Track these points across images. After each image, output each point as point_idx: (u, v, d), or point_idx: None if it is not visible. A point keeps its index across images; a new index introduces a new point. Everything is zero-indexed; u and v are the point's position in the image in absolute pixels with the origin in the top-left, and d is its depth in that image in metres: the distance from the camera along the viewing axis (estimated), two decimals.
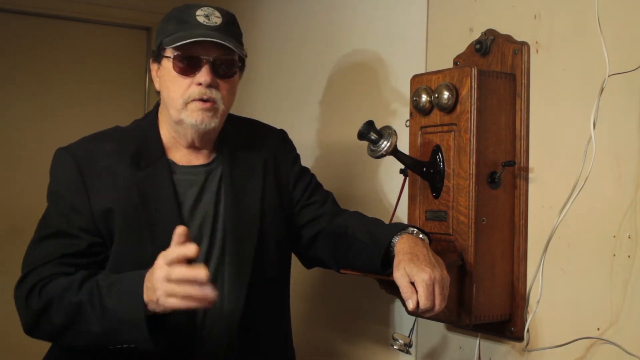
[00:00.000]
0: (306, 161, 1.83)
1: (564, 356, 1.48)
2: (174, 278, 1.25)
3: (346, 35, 2.22)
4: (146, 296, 1.31)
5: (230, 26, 1.56)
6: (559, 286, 1.51)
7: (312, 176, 1.78)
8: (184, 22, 1.52)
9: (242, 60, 1.59)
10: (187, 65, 1.51)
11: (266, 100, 2.57)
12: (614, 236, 1.41)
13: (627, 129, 1.39)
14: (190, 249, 1.25)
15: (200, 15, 1.52)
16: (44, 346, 1.62)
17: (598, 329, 1.43)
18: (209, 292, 1.25)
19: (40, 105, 3.11)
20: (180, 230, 1.27)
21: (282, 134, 1.79)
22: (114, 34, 3.27)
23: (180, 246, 1.26)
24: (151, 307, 1.31)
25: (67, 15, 3.14)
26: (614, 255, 1.40)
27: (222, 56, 1.53)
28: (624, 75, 1.37)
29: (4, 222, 3.01)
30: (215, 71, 1.52)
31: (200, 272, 1.24)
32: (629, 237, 1.38)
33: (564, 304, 1.50)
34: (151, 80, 1.64)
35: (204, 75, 1.50)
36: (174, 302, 1.27)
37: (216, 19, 1.53)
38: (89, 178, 1.52)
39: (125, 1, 3.23)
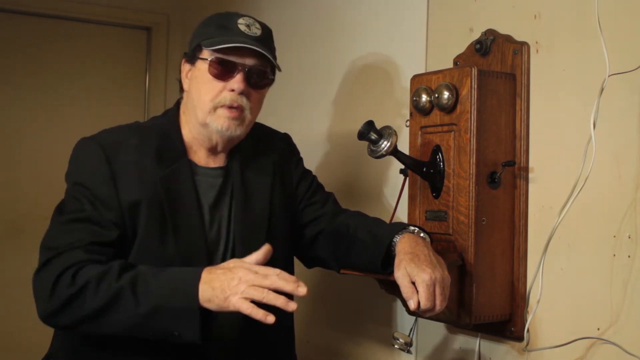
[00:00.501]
0: (307, 161, 1.83)
1: (564, 356, 1.48)
2: (267, 284, 1.29)
3: (346, 35, 2.22)
4: (207, 287, 1.31)
5: (268, 39, 1.59)
6: (559, 286, 1.51)
7: (314, 177, 1.80)
8: (226, 28, 1.54)
9: (273, 73, 1.60)
10: (223, 70, 1.52)
11: (266, 101, 2.56)
12: (614, 236, 1.41)
13: (627, 129, 1.39)
14: (302, 290, 1.30)
15: (242, 24, 1.54)
16: (44, 346, 1.62)
17: (598, 329, 1.43)
18: (290, 304, 1.30)
19: (41, 105, 3.11)
20: (267, 247, 1.36)
21: (286, 138, 1.82)
22: (114, 34, 3.27)
23: (290, 278, 1.31)
24: (205, 302, 1.32)
25: (67, 15, 3.14)
26: (614, 255, 1.40)
27: (257, 66, 1.54)
28: (624, 75, 1.37)
29: (4, 221, 3.01)
30: (249, 80, 1.54)
31: (299, 287, 1.30)
32: (629, 237, 1.38)
33: (564, 304, 1.50)
34: (178, 80, 1.64)
35: (238, 81, 1.52)
36: (247, 306, 1.29)
37: (256, 30, 1.55)
38: (117, 170, 1.50)
39: (125, 1, 3.23)
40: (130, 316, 1.34)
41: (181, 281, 1.34)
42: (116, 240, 1.46)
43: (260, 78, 1.56)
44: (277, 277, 1.30)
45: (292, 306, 1.30)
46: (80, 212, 1.47)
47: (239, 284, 1.30)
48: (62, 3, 3.11)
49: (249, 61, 1.53)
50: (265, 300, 1.29)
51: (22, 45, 3.08)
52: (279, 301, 1.29)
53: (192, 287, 1.32)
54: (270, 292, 1.29)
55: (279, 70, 1.59)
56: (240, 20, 1.55)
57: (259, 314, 1.29)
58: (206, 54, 1.54)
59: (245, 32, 1.53)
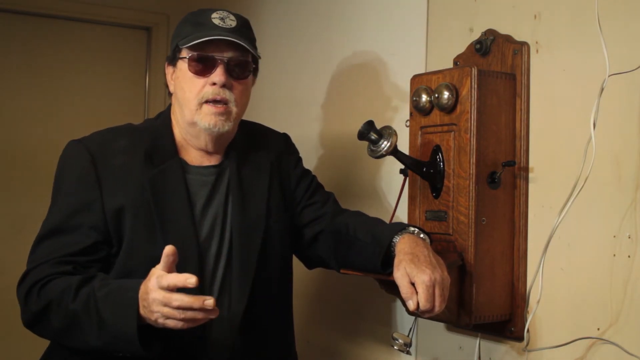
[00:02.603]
0: (307, 161, 1.83)
1: (564, 356, 1.48)
2: (175, 305, 1.26)
3: (346, 35, 2.22)
4: (142, 311, 1.31)
5: (245, 29, 1.59)
6: (559, 286, 1.51)
7: (314, 177, 1.80)
8: (200, 25, 1.55)
9: (255, 63, 1.61)
10: (202, 66, 1.53)
11: (267, 101, 2.57)
12: (614, 236, 1.41)
13: (627, 129, 1.39)
14: (191, 281, 1.25)
15: (216, 18, 1.55)
16: (43, 347, 1.62)
17: (598, 329, 1.43)
18: (211, 313, 1.27)
19: (40, 105, 3.11)
20: (168, 250, 1.28)
21: (285, 137, 1.81)
22: (114, 34, 3.27)
23: (179, 276, 1.26)
24: (148, 321, 1.32)
25: (67, 15, 3.13)
26: (614, 255, 1.40)
27: (236, 57, 1.55)
28: (624, 75, 1.37)
29: (4, 222, 3.01)
30: (230, 72, 1.54)
31: (205, 300, 1.25)
32: (629, 237, 1.38)
33: (564, 304, 1.50)
34: (165, 84, 1.65)
35: (218, 75, 1.53)
36: (174, 324, 1.29)
37: (231, 22, 1.56)
38: (103, 174, 1.52)
39: (125, 1, 3.23)
40: (90, 342, 1.38)
41: (123, 307, 1.33)
42: (89, 247, 1.48)
43: (242, 69, 1.57)
44: (180, 299, 1.26)
45: (211, 304, 1.26)
46: (55, 223, 1.50)
47: (156, 312, 1.28)
48: (62, 3, 3.11)
49: (227, 53, 1.54)
50: (185, 327, 1.29)
51: (22, 45, 3.08)
52: (199, 320, 1.29)
53: (132, 312, 1.31)
54: (186, 318, 1.27)
55: (259, 57, 1.60)
56: (214, 15, 1.56)
57: (194, 325, 1.30)
58: (184, 52, 1.55)
59: (220, 25, 1.54)
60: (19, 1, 3.03)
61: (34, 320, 1.45)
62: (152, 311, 1.28)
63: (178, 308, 1.26)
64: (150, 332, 1.34)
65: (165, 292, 1.26)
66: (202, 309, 1.26)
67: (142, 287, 1.32)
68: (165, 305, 1.27)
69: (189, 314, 1.27)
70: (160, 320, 1.29)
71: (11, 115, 3.06)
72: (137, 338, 1.31)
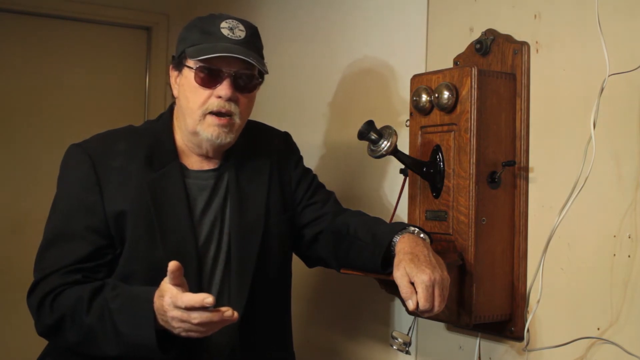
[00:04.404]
0: (307, 161, 1.83)
1: (564, 356, 1.48)
2: (195, 323, 1.28)
3: (346, 36, 2.22)
4: (162, 323, 1.33)
5: (254, 40, 1.58)
6: (559, 286, 1.51)
7: (314, 177, 1.80)
8: (209, 34, 1.53)
9: (261, 74, 1.59)
10: (209, 78, 1.52)
11: (268, 102, 2.57)
12: (614, 236, 1.41)
13: (627, 129, 1.39)
14: (208, 301, 1.26)
15: (225, 27, 1.53)
16: (43, 344, 1.62)
17: (598, 329, 1.43)
18: (231, 320, 1.29)
19: (40, 105, 3.11)
20: (172, 266, 1.28)
21: (286, 137, 1.81)
22: (114, 34, 3.27)
23: (195, 297, 1.27)
24: (170, 330, 1.33)
25: (67, 15, 3.14)
26: (614, 255, 1.40)
27: (243, 70, 1.53)
28: (624, 75, 1.37)
29: (4, 222, 3.01)
30: (236, 85, 1.53)
31: (225, 313, 1.27)
32: (629, 237, 1.38)
33: (564, 304, 1.50)
34: (168, 84, 1.64)
35: (224, 88, 1.51)
36: (196, 335, 1.31)
37: (240, 33, 1.54)
38: (103, 177, 1.52)
39: (125, 1, 3.23)
40: (107, 353, 1.40)
41: (139, 318, 1.35)
42: (93, 252, 1.49)
43: (248, 82, 1.55)
44: (199, 316, 1.27)
45: (235, 315, 1.29)
46: (59, 228, 1.51)
47: (177, 327, 1.31)
48: (62, 3, 3.11)
49: (235, 67, 1.52)
50: (209, 334, 1.32)
51: (22, 45, 3.08)
52: (219, 327, 1.32)
53: (149, 322, 1.33)
54: (209, 329, 1.31)
55: (266, 73, 1.58)
56: (223, 24, 1.53)
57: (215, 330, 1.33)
58: (191, 62, 1.53)
59: (229, 36, 1.52)
60: (18, 1, 3.03)
61: (49, 332, 1.46)
62: (173, 327, 1.31)
63: (199, 324, 1.28)
64: (167, 334, 1.36)
65: (182, 312, 1.28)
66: (222, 320, 1.28)
67: (157, 301, 1.32)
68: (185, 321, 1.28)
69: (212, 326, 1.30)
70: (183, 333, 1.31)
71: (10, 115, 3.06)
72: (157, 347, 1.33)
